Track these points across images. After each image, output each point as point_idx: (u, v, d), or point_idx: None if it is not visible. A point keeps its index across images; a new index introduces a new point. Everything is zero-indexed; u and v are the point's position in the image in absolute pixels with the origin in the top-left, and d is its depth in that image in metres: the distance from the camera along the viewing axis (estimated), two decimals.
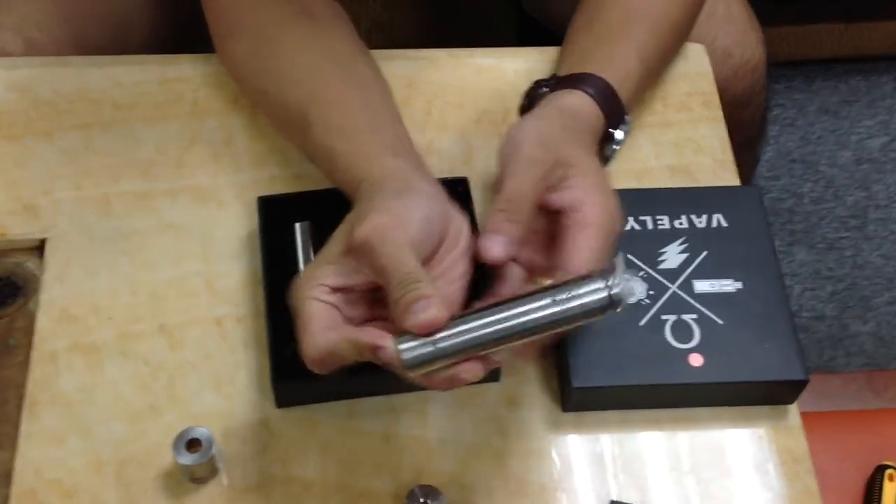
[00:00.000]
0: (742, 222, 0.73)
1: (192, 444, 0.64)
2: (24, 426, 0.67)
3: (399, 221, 0.57)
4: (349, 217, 0.61)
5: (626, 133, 0.76)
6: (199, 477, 0.65)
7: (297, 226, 0.73)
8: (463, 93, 0.83)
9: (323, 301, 0.58)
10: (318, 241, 0.72)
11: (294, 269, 0.71)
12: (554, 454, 0.68)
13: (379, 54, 0.84)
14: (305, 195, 0.74)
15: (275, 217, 0.73)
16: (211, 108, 0.81)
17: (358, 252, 0.57)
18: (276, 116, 0.76)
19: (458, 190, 0.74)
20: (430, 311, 0.54)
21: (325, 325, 0.57)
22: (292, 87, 0.72)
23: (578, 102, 0.71)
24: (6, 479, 0.65)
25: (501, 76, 0.84)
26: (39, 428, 0.67)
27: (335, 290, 0.58)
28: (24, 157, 0.78)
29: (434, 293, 0.54)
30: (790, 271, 1.51)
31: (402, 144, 0.68)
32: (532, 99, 0.79)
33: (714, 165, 0.80)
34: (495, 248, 0.60)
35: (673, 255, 0.72)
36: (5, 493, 0.65)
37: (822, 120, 1.67)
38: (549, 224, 0.63)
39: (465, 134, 0.81)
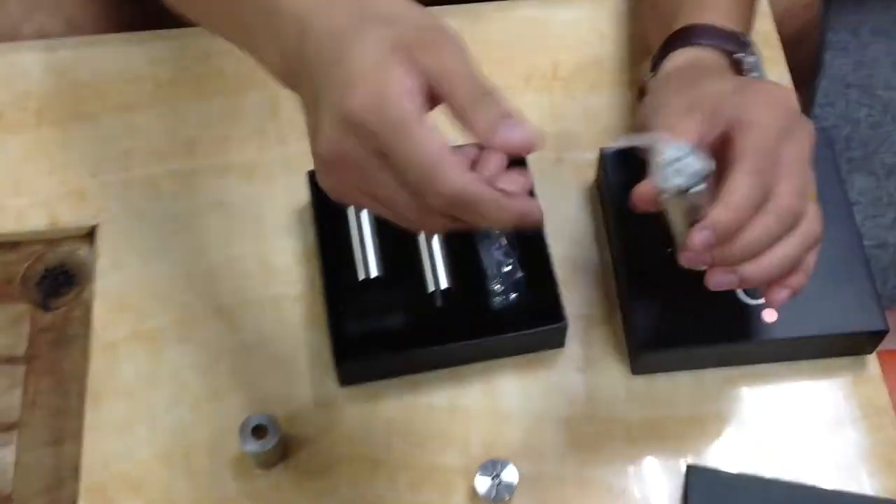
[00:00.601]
0: (814, 168, 0.70)
1: (258, 431, 0.63)
2: (89, 418, 0.67)
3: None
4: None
5: (755, 54, 0.67)
6: (267, 462, 0.65)
7: None
8: (511, 48, 0.80)
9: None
10: (369, 212, 0.70)
11: (349, 242, 0.70)
12: (626, 419, 0.66)
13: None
14: None
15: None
16: (254, 81, 0.78)
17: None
18: None
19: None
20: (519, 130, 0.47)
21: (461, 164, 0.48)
22: None
23: (688, 55, 0.66)
24: (74, 473, 0.65)
25: (550, 28, 0.81)
26: (104, 420, 0.67)
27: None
28: (68, 142, 0.77)
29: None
30: (850, 199, 1.47)
31: None
32: (644, 85, 0.72)
33: None
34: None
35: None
36: (74, 487, 0.65)
37: (877, 41, 1.61)
38: None
39: (516, 92, 0.78)
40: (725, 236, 0.54)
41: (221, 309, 0.70)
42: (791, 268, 0.58)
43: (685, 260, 0.56)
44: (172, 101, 0.78)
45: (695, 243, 0.54)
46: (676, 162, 0.53)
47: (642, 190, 0.56)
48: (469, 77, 0.49)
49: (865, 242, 1.42)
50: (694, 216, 0.55)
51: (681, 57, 0.66)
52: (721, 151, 0.57)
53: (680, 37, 0.67)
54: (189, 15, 0.62)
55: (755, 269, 0.56)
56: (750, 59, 0.67)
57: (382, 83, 0.47)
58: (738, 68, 0.67)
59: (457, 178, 0.47)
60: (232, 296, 0.71)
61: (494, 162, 0.51)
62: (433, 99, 0.49)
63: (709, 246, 0.54)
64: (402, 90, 0.47)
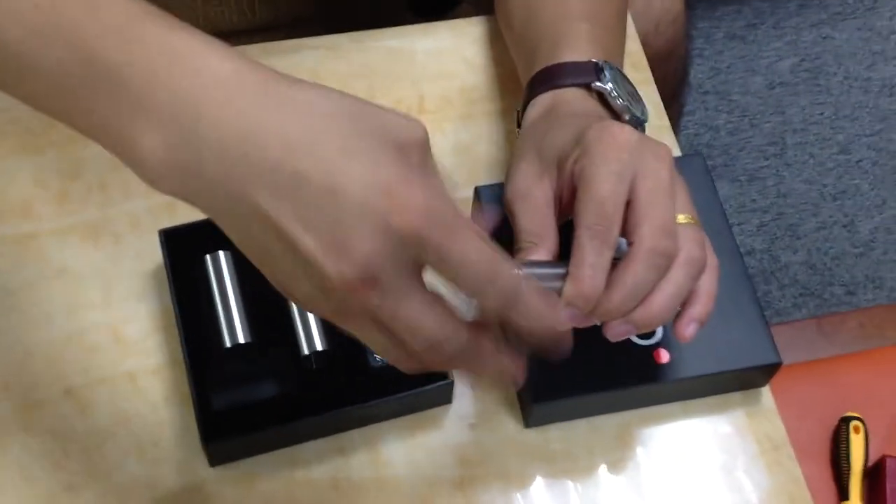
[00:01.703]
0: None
1: None
2: None
3: None
4: None
5: (610, 72, 0.63)
6: None
7: (209, 258, 0.65)
8: (373, 81, 0.76)
9: None
10: (234, 271, 0.65)
11: (212, 306, 0.64)
12: (522, 474, 0.62)
13: (276, 46, 0.77)
14: (212, 223, 0.66)
15: (182, 250, 0.65)
16: None
17: None
18: None
19: None
20: None
21: None
22: None
23: (546, 103, 0.63)
24: None
25: (411, 59, 0.77)
26: None
27: None
28: None
29: None
30: (720, 202, 1.49)
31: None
32: None
33: (652, 133, 0.73)
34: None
35: (621, 244, 0.66)
36: None
37: (731, 47, 1.64)
38: None
39: None
40: (587, 304, 0.53)
41: (70, 390, 0.63)
42: (683, 300, 0.55)
43: (565, 326, 0.53)
44: (1, 159, 0.71)
45: (564, 321, 0.52)
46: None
47: None
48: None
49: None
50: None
51: (535, 109, 0.64)
52: None
53: (538, 81, 0.65)
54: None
55: (646, 313, 0.54)
56: (609, 87, 0.63)
57: (417, 184, 0.42)
58: (601, 98, 0.64)
59: (514, 271, 0.45)
60: (81, 374, 0.64)
61: None
62: None
63: (578, 318, 0.53)
64: (443, 189, 0.44)
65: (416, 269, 0.44)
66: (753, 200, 1.50)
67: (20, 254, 0.67)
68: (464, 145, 0.74)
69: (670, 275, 0.54)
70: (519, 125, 0.66)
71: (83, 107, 0.45)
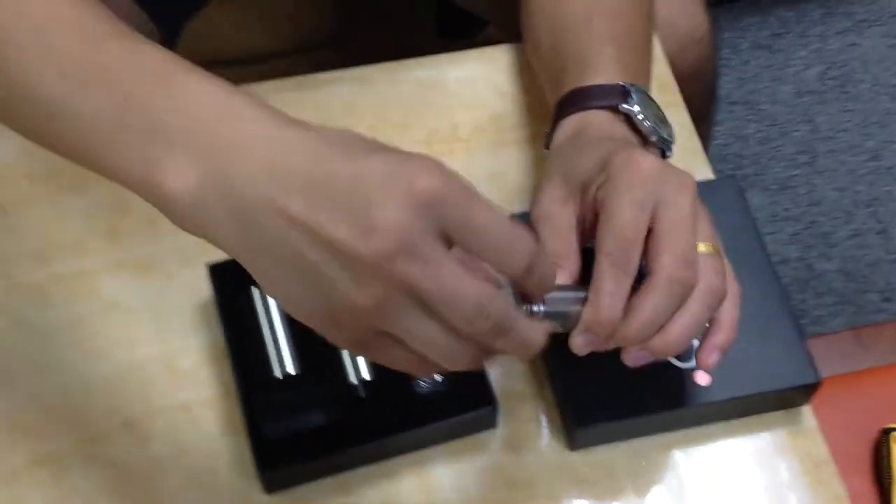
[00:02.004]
0: (724, 219, 0.68)
1: None
2: None
3: None
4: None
5: (637, 94, 0.64)
6: None
7: (255, 290, 0.67)
8: (407, 112, 0.78)
9: None
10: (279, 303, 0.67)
11: (260, 338, 0.66)
12: (567, 497, 0.64)
13: (309, 80, 0.79)
14: None
15: (230, 283, 0.67)
16: None
17: None
18: None
19: None
20: None
21: None
22: None
23: (573, 125, 0.65)
24: None
25: (444, 87, 0.79)
26: None
27: None
28: None
29: None
30: (751, 216, 1.49)
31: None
32: None
33: (683, 156, 0.75)
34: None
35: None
36: None
37: (757, 56, 1.64)
38: None
39: None
40: (604, 331, 0.54)
41: (128, 422, 0.65)
42: (701, 328, 0.57)
43: (581, 353, 0.55)
44: (51, 197, 0.73)
45: (578, 347, 0.55)
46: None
47: None
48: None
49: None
50: (567, 323, 0.55)
51: (569, 125, 0.65)
52: None
53: (566, 103, 0.66)
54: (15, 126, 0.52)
55: (663, 341, 0.55)
56: (635, 109, 0.64)
57: (435, 163, 0.44)
58: (629, 121, 0.65)
59: (532, 239, 0.46)
60: (138, 406, 0.66)
61: None
62: None
63: (591, 344, 0.55)
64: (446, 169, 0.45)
65: (445, 238, 0.44)
66: (786, 209, 1.51)
67: (74, 290, 0.70)
68: (496, 173, 0.75)
69: (688, 304, 0.55)
70: (547, 147, 0.67)
71: (116, 150, 0.47)
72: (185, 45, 0.86)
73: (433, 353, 0.47)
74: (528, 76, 0.79)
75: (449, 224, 0.44)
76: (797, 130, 1.57)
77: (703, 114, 0.99)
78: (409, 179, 0.43)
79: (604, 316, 0.54)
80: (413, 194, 0.43)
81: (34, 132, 0.51)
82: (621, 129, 0.64)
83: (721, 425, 0.66)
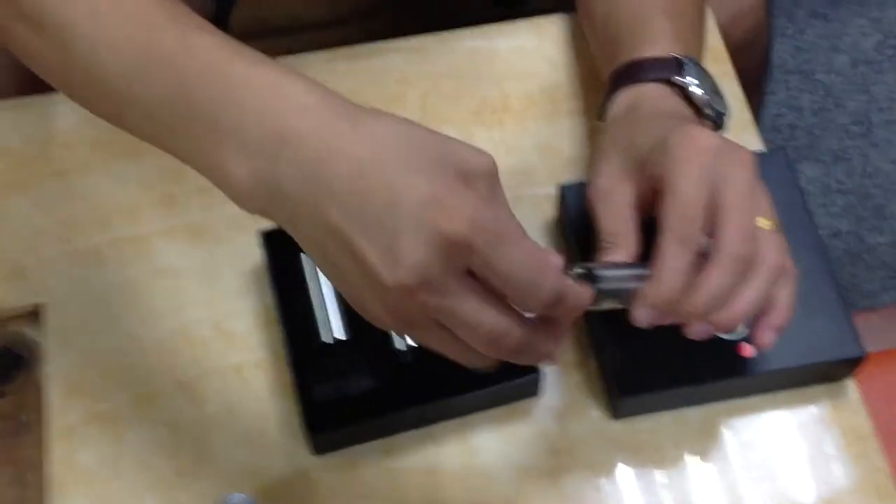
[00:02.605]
0: (772, 191, 0.68)
1: None
2: None
3: None
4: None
5: (692, 67, 0.65)
6: None
7: (304, 257, 0.68)
8: (458, 82, 0.78)
9: None
10: None
11: (309, 304, 0.67)
12: (610, 465, 0.64)
13: (364, 50, 0.80)
14: None
15: (281, 250, 0.68)
16: None
17: None
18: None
19: None
20: None
21: None
22: None
23: (629, 98, 0.65)
24: None
25: (497, 59, 0.79)
26: None
27: None
28: (1, 216, 0.73)
29: None
30: (801, 190, 1.47)
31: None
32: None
33: (734, 127, 0.75)
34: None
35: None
36: None
37: (813, 25, 1.61)
38: None
39: (466, 126, 0.76)
40: (667, 305, 0.55)
41: (181, 382, 0.67)
42: (762, 304, 0.57)
43: (643, 325, 0.56)
44: (110, 163, 0.75)
45: (639, 321, 0.55)
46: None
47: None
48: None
49: (819, 232, 1.42)
50: (627, 297, 0.56)
51: (624, 98, 0.65)
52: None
53: (620, 76, 0.66)
54: (92, 107, 0.54)
55: (726, 316, 0.56)
56: (688, 79, 0.64)
57: (473, 202, 0.45)
58: (683, 93, 0.65)
59: (558, 277, 0.47)
60: (190, 367, 0.68)
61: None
62: None
63: (654, 318, 0.55)
64: (496, 198, 0.47)
65: (468, 273, 0.47)
66: (839, 181, 1.49)
67: (129, 254, 0.71)
68: (547, 143, 0.76)
69: (751, 280, 0.56)
70: (601, 119, 0.68)
71: (179, 137, 0.50)
72: (238, 14, 0.87)
73: (458, 358, 0.50)
74: (580, 46, 0.79)
75: (473, 264, 0.46)
76: (853, 101, 1.55)
77: (755, 84, 0.99)
78: (439, 219, 0.45)
79: (666, 291, 0.54)
80: (440, 235, 0.45)
81: (113, 117, 0.54)
82: (676, 102, 0.64)
83: (765, 397, 0.66)
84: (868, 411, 0.66)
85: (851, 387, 0.67)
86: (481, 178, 0.47)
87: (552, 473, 0.64)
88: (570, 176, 0.73)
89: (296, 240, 0.49)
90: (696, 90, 0.64)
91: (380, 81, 0.78)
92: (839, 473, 0.64)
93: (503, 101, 0.77)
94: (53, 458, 0.65)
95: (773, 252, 0.56)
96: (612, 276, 0.55)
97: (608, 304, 0.55)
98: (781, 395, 0.66)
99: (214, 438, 0.65)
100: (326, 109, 0.47)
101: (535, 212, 0.73)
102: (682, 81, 0.64)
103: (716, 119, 0.65)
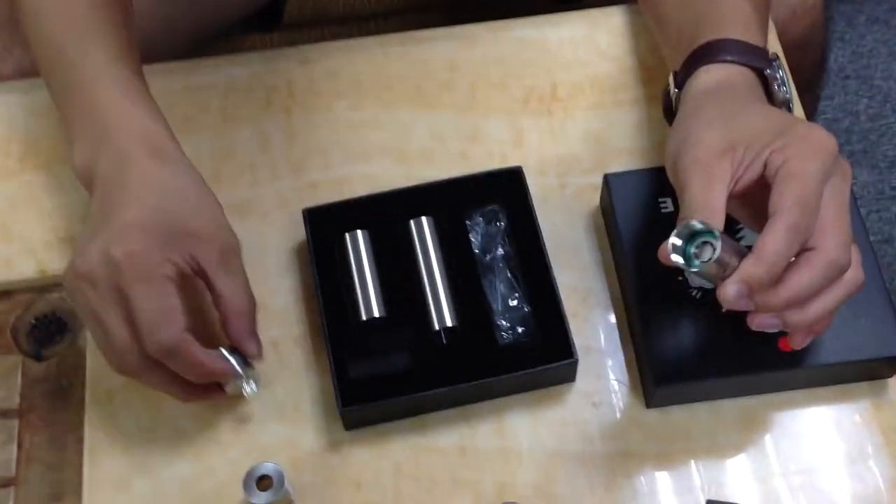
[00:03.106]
0: None
1: (263, 481, 0.61)
2: (87, 472, 0.65)
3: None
4: None
5: (781, 68, 0.65)
6: None
7: (348, 236, 0.69)
8: (507, 70, 0.78)
9: None
10: (371, 250, 0.68)
11: (349, 281, 0.68)
12: (642, 454, 0.64)
13: (412, 36, 0.80)
14: (352, 203, 0.70)
15: (323, 228, 0.69)
16: (241, 114, 0.76)
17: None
18: None
19: (511, 181, 0.70)
20: None
21: None
22: None
23: (716, 75, 0.63)
24: None
25: (546, 48, 0.79)
26: (103, 473, 0.65)
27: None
28: (54, 187, 0.74)
29: None
30: (853, 194, 1.45)
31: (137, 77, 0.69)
32: (669, 107, 0.69)
33: None
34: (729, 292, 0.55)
35: (750, 232, 0.67)
36: None
37: (873, 31, 1.59)
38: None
39: (513, 115, 0.76)
40: (758, 288, 0.54)
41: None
42: (832, 314, 0.57)
43: (729, 302, 0.55)
44: None
45: (728, 296, 0.54)
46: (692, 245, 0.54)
47: (663, 253, 0.56)
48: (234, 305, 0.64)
49: (871, 238, 1.40)
50: (722, 272, 0.54)
51: (708, 76, 0.64)
52: (756, 191, 0.57)
53: (705, 53, 0.64)
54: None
55: (800, 317, 0.56)
56: (779, 75, 0.64)
57: (147, 244, 0.60)
58: (766, 85, 0.64)
59: (176, 333, 0.59)
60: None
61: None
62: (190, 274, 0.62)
63: (742, 297, 0.54)
64: (160, 256, 0.60)
65: (124, 295, 0.59)
66: (893, 188, 1.46)
67: None
68: (594, 134, 0.75)
69: (833, 290, 0.56)
70: (678, 88, 0.66)
71: (59, 108, 0.69)
72: (296, 1, 0.88)
73: (100, 349, 0.63)
74: (630, 38, 0.79)
75: (121, 287, 0.60)
76: None
77: (810, 84, 0.97)
78: (116, 245, 0.60)
79: (765, 271, 0.53)
80: (109, 254, 0.60)
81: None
82: (762, 93, 0.64)
83: (804, 392, 0.65)
84: None
85: (893, 386, 0.66)
86: (216, 251, 0.63)
87: (583, 459, 0.64)
88: (615, 166, 0.73)
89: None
90: (781, 89, 0.64)
91: (430, 68, 0.78)
92: (878, 472, 0.63)
93: (551, 90, 0.77)
94: (91, 422, 0.66)
95: (857, 268, 0.57)
96: (724, 244, 0.53)
97: (710, 273, 0.54)
98: (821, 391, 0.65)
99: (249, 409, 0.66)
100: (149, 139, 0.64)
101: (580, 201, 0.73)
102: (772, 76, 0.64)
103: None
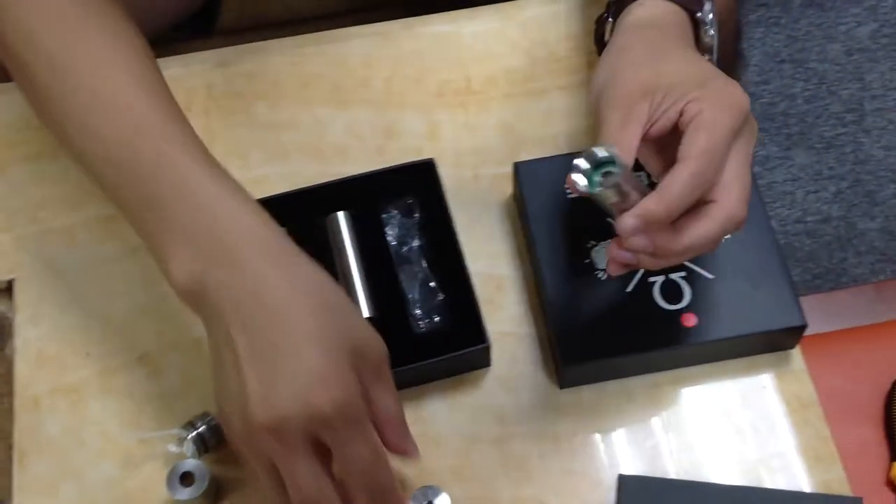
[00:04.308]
0: None
1: (186, 478, 0.63)
2: (16, 478, 0.66)
3: None
4: None
5: (712, 10, 0.65)
6: None
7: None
8: (422, 65, 0.80)
9: None
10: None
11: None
12: (556, 434, 0.66)
13: (328, 35, 0.82)
14: (268, 201, 0.71)
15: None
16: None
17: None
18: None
19: (424, 174, 0.72)
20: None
21: None
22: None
23: (650, 11, 0.64)
24: None
25: (460, 42, 0.81)
26: (31, 478, 0.66)
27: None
28: None
29: None
30: (791, 176, 1.48)
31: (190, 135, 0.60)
32: (602, 35, 0.70)
33: None
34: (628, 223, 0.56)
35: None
36: None
37: (808, 14, 1.62)
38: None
39: (428, 109, 0.78)
40: (654, 226, 0.56)
41: (144, 356, 0.69)
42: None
43: (625, 232, 0.56)
44: None
45: (626, 227, 0.55)
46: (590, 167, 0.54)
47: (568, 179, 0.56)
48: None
49: (808, 218, 1.44)
50: (621, 202, 0.55)
51: (642, 10, 0.64)
52: (667, 139, 0.58)
53: None
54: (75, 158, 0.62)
55: (675, 260, 0.58)
56: (709, 19, 0.65)
57: (346, 384, 0.53)
58: (696, 27, 0.65)
59: (388, 477, 0.56)
60: (154, 341, 0.70)
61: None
62: None
63: (638, 230, 0.55)
64: (381, 381, 0.56)
65: (316, 441, 0.54)
66: (830, 168, 1.49)
67: (101, 233, 0.74)
68: (507, 124, 0.77)
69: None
70: (613, 18, 0.66)
71: (134, 215, 0.59)
72: (230, 5, 0.89)
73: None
74: (542, 30, 0.81)
75: (324, 438, 0.54)
76: (846, 89, 1.55)
77: (728, 64, 0.99)
78: (317, 392, 0.53)
79: (665, 212, 0.55)
80: (311, 405, 0.53)
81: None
82: (691, 36, 0.65)
83: (710, 367, 0.67)
84: (817, 381, 0.67)
85: (797, 356, 0.68)
86: (372, 362, 0.56)
87: (499, 441, 0.66)
88: (527, 155, 0.75)
89: (206, 332, 0.57)
90: (710, 33, 0.65)
91: (346, 65, 0.80)
92: (781, 439, 0.65)
93: (466, 83, 0.79)
94: (20, 428, 0.67)
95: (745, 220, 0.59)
96: (626, 174, 0.54)
97: (608, 199, 0.55)
98: (727, 365, 0.67)
99: (174, 410, 0.67)
100: (268, 244, 0.56)
101: (494, 191, 0.74)
102: (703, 19, 0.65)
103: None
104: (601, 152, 0.54)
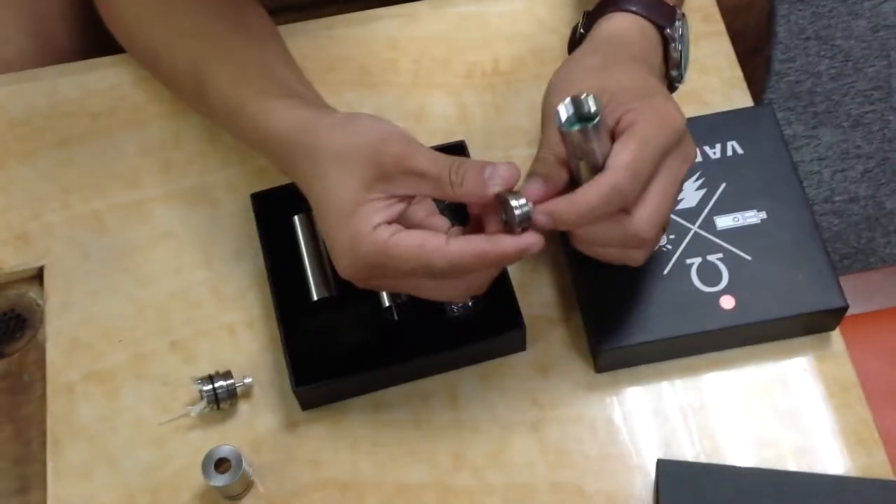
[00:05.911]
0: (758, 146, 0.69)
1: (221, 464, 0.62)
2: (50, 464, 0.66)
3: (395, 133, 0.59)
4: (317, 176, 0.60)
5: (683, 27, 0.66)
6: (234, 494, 0.64)
7: (297, 218, 0.70)
8: (450, 46, 0.79)
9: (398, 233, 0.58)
10: (319, 230, 0.69)
11: (300, 263, 0.68)
12: (593, 419, 0.65)
13: (356, 17, 0.81)
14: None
15: (272, 212, 0.70)
16: None
17: (391, 174, 0.58)
18: (169, 79, 0.74)
19: (456, 156, 0.71)
20: (502, 166, 0.57)
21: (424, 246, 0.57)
22: (183, 48, 0.71)
23: (617, 25, 0.65)
24: None
25: (487, 23, 0.80)
26: (65, 465, 0.66)
27: (391, 222, 0.58)
28: (7, 183, 0.75)
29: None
30: (818, 155, 1.46)
31: (300, 92, 0.67)
32: (573, 44, 0.71)
33: (723, 85, 0.76)
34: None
35: (689, 193, 0.68)
36: None
37: None
38: None
39: (456, 91, 0.77)
40: (561, 227, 0.57)
41: (176, 342, 0.69)
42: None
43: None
44: (110, 131, 0.77)
45: (537, 221, 0.57)
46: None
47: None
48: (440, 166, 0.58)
49: (836, 198, 1.42)
50: (583, 154, 0.56)
51: (611, 24, 0.65)
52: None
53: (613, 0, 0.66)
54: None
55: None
56: (678, 35, 0.65)
57: (353, 234, 0.57)
58: (665, 43, 0.66)
59: (450, 252, 0.57)
60: (185, 327, 0.69)
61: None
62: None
63: (546, 226, 0.57)
64: (370, 229, 0.57)
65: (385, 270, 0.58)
66: (857, 146, 1.47)
67: (130, 219, 0.73)
68: (536, 104, 0.76)
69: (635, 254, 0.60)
70: (586, 31, 0.67)
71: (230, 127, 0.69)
72: None
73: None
74: (569, 9, 0.80)
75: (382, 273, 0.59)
76: (872, 66, 1.53)
77: (758, 47, 0.98)
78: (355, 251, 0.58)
79: (573, 219, 0.56)
80: (359, 259, 0.58)
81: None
82: (658, 51, 0.65)
83: (748, 350, 0.67)
84: (854, 364, 0.66)
85: (836, 339, 0.67)
86: (396, 170, 0.58)
87: (535, 426, 0.65)
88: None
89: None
90: (676, 49, 0.65)
91: (373, 48, 0.79)
92: (822, 423, 0.64)
93: (494, 64, 0.78)
94: (53, 415, 0.67)
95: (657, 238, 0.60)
96: (599, 136, 0.56)
97: (574, 142, 0.56)
98: (765, 347, 0.67)
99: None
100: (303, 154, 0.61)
101: (526, 172, 0.73)
102: (671, 35, 0.65)
103: (672, 81, 0.67)
104: (592, 105, 0.55)
